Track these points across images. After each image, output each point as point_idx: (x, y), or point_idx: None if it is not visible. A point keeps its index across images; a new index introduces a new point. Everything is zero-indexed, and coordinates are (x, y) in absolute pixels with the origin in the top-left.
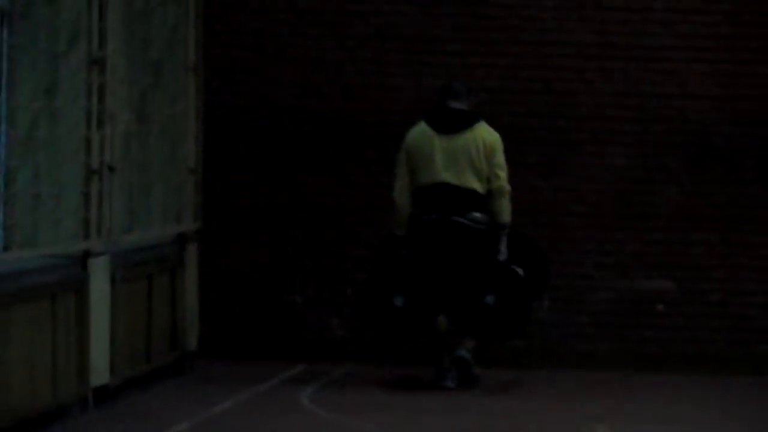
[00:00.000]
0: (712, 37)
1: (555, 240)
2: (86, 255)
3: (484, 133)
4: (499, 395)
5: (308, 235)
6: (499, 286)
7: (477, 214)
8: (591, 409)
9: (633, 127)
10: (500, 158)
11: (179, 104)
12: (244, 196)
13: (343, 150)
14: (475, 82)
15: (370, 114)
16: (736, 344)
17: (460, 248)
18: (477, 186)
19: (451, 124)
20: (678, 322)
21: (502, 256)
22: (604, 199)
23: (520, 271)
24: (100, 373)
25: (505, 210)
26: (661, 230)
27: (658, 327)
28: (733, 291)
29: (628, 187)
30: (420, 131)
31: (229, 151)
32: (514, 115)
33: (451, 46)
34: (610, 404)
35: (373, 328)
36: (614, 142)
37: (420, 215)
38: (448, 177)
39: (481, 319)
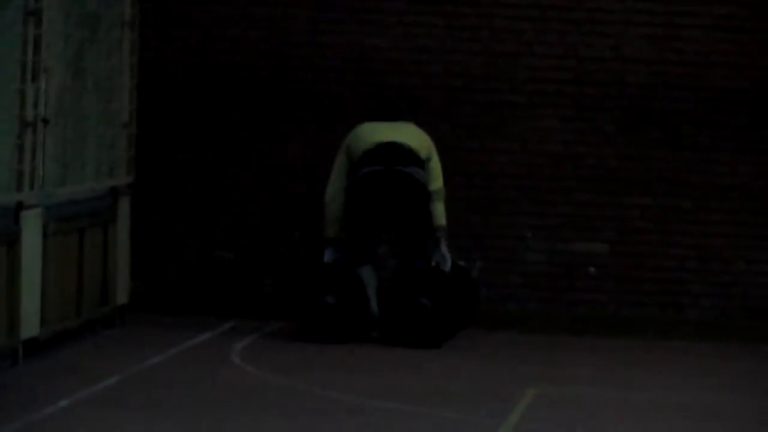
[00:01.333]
0: (649, 0)
1: (489, 201)
2: (19, 207)
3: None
4: (430, 354)
5: (241, 191)
6: (434, 286)
7: (421, 171)
8: (522, 370)
9: (569, 90)
10: (438, 161)
11: (114, 59)
12: (178, 152)
13: (276, 107)
14: (413, 41)
15: (304, 71)
16: (668, 308)
17: (404, 199)
18: (420, 153)
19: (394, 115)
20: (610, 285)
21: (446, 263)
22: (539, 162)
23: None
24: (30, 326)
25: (442, 213)
26: (595, 193)
27: (591, 289)
28: (666, 255)
29: (563, 149)
30: (362, 126)
31: (163, 106)
32: (450, 75)
33: (389, 4)
34: (540, 366)
35: (306, 326)
36: (550, 104)
37: (362, 169)
38: (392, 137)
39: (416, 320)
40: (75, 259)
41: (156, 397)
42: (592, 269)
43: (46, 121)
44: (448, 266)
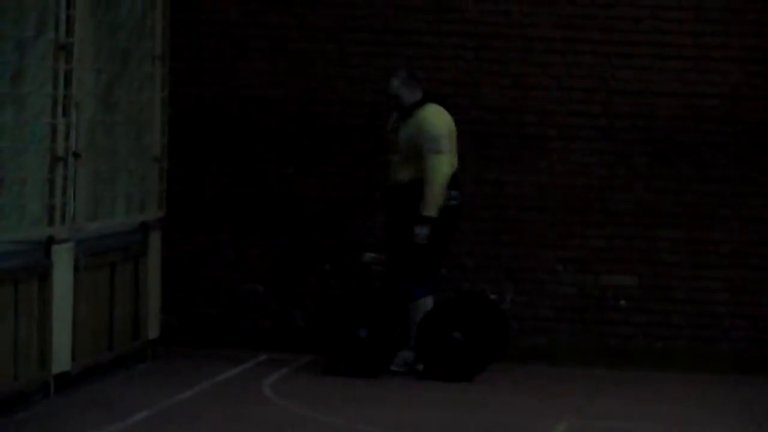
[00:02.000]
0: (678, 33)
1: (519, 234)
2: (50, 241)
3: None
4: (461, 388)
5: (271, 225)
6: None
7: None
8: (551, 404)
9: (599, 123)
10: None
11: (145, 93)
12: (208, 186)
13: (307, 141)
14: (442, 74)
15: (335, 105)
16: (699, 341)
17: None
18: None
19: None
20: (640, 318)
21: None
22: (569, 194)
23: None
24: (61, 360)
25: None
26: (625, 226)
27: (621, 322)
28: (696, 288)
29: (593, 182)
30: (441, 110)
31: (194, 140)
32: (480, 108)
33: (419, 37)
34: (570, 400)
35: (336, 359)
36: (580, 137)
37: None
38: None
39: (447, 353)
40: (106, 293)
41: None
42: (622, 302)
43: (77, 156)
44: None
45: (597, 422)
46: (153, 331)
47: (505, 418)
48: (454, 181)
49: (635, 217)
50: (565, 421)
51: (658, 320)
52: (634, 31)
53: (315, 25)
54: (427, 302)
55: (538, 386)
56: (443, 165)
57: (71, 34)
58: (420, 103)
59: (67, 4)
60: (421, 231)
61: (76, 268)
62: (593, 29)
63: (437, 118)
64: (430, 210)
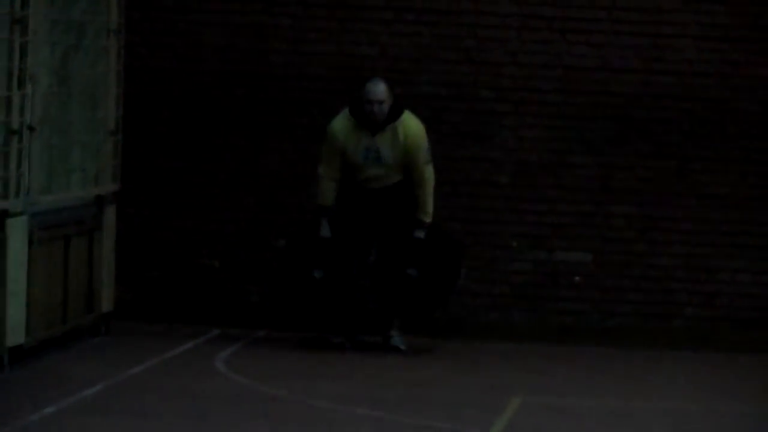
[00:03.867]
0: (634, 9)
1: (474, 210)
2: (4, 215)
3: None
4: (414, 364)
5: (227, 199)
6: (421, 260)
7: None
8: (505, 380)
9: (554, 99)
10: None
11: (100, 66)
12: (164, 160)
13: (264, 115)
14: (399, 50)
15: (292, 79)
16: (653, 318)
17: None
18: None
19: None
20: (595, 294)
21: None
22: (524, 171)
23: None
24: (15, 333)
25: None
26: (581, 202)
27: (575, 299)
28: (651, 265)
29: (548, 158)
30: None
31: (150, 113)
32: (435, 84)
33: (375, 13)
34: (524, 376)
35: (293, 299)
36: (535, 113)
37: None
38: None
39: (405, 291)
40: (60, 267)
41: (140, 406)
42: (577, 278)
43: (31, 129)
44: None
45: (550, 399)
46: (107, 305)
47: (459, 395)
48: None
49: (590, 193)
50: (518, 398)
51: (612, 297)
52: (590, 6)
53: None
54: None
55: (492, 363)
56: (433, 173)
57: (26, 7)
58: (397, 113)
59: None
60: (420, 235)
61: (30, 242)
62: (549, 4)
63: (421, 128)
64: (429, 217)
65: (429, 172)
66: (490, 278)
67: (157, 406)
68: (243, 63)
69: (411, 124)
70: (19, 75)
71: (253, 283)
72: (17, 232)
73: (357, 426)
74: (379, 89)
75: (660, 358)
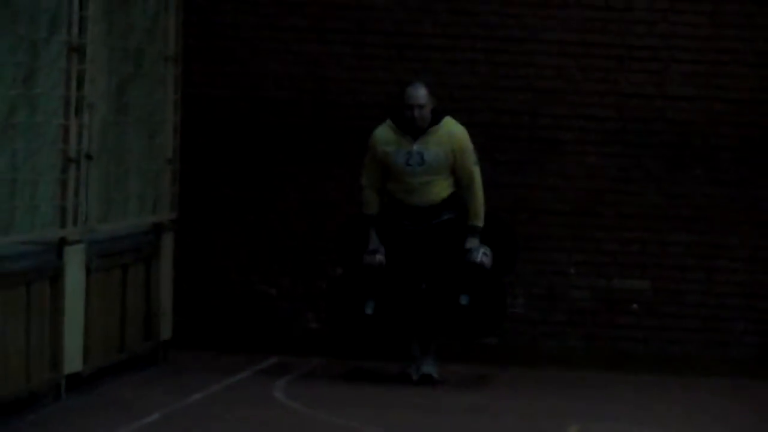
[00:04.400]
0: (691, 37)
1: (533, 237)
2: (62, 243)
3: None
4: (471, 392)
5: (284, 227)
6: (472, 285)
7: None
8: (563, 408)
9: (612, 127)
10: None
11: (158, 94)
12: (221, 188)
13: (321, 143)
14: (457, 78)
15: (349, 108)
16: (711, 346)
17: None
18: None
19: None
20: (653, 322)
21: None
22: (583, 198)
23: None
24: (73, 361)
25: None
26: (638, 230)
27: (633, 327)
28: (709, 292)
29: (606, 186)
30: None
31: (207, 142)
32: (494, 111)
33: (431, 40)
34: (582, 404)
35: (343, 333)
36: (594, 141)
37: None
38: None
39: (456, 319)
40: (118, 294)
41: None
42: (634, 306)
43: (89, 157)
44: None
45: (609, 426)
46: (165, 333)
47: (515, 423)
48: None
49: (648, 220)
50: (577, 426)
51: (670, 324)
52: (648, 34)
53: (328, 27)
54: None
55: (549, 390)
56: (481, 177)
57: (84, 35)
58: (438, 118)
59: (79, 5)
60: (473, 244)
61: (87, 270)
62: (607, 32)
63: (465, 130)
64: (481, 221)
65: (478, 174)
66: (548, 306)
67: None
68: (300, 91)
69: (454, 126)
70: (76, 103)
71: (309, 311)
72: (75, 260)
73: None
74: (420, 93)
75: (718, 386)
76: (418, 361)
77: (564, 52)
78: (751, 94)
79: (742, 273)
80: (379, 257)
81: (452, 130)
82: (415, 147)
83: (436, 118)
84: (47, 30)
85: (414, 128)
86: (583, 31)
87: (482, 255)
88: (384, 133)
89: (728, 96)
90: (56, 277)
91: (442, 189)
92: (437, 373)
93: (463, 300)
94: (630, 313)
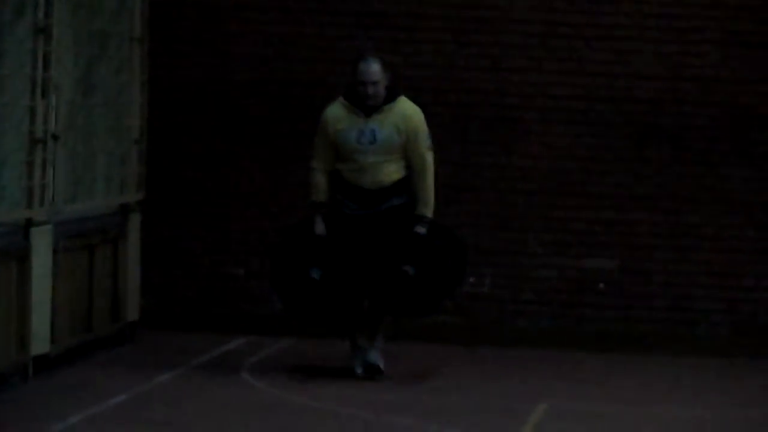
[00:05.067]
0: (658, 17)
1: (500, 217)
2: (29, 224)
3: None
4: (442, 370)
5: (252, 208)
6: (419, 259)
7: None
8: (531, 387)
9: (579, 106)
10: None
11: (124, 75)
12: (189, 168)
13: (286, 123)
14: (422, 57)
15: (314, 88)
16: (679, 324)
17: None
18: None
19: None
20: (620, 301)
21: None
22: (549, 178)
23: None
24: (40, 342)
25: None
26: (605, 210)
27: (601, 306)
28: (676, 271)
29: (573, 166)
30: None
31: (174, 122)
32: (460, 92)
33: (397, 20)
34: (550, 382)
35: (287, 303)
36: (560, 120)
37: None
38: None
39: (401, 289)
40: (85, 275)
41: (165, 415)
42: (601, 285)
43: (56, 138)
44: None
45: (576, 405)
46: (132, 314)
47: (485, 400)
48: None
49: (615, 200)
50: (545, 404)
51: (637, 304)
52: (613, 13)
53: (293, 8)
54: None
55: (518, 369)
56: (433, 163)
57: (50, 17)
58: (393, 95)
59: None
60: (421, 231)
61: (54, 251)
62: (574, 12)
63: (420, 111)
64: (430, 211)
65: (430, 160)
66: (516, 285)
67: (182, 416)
68: (266, 72)
69: (409, 105)
70: (43, 84)
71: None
72: (42, 241)
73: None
74: (374, 68)
75: (685, 364)
76: (363, 353)
77: (529, 31)
78: (716, 73)
79: (709, 252)
80: (321, 228)
81: (407, 110)
82: (368, 124)
83: (390, 96)
84: (13, 12)
85: (367, 106)
86: (549, 10)
87: (423, 228)
88: (336, 110)
89: (693, 74)
90: (23, 258)
91: (393, 171)
92: (382, 364)
93: (410, 270)
94: (597, 292)
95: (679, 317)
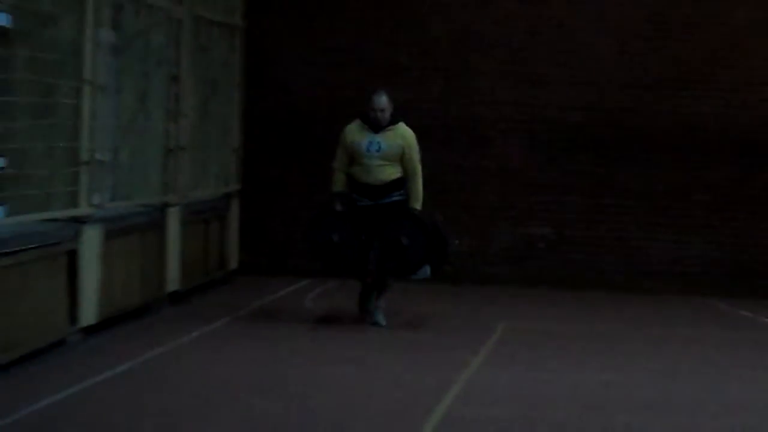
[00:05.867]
0: (574, 67)
1: (474, 201)
2: (165, 205)
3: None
4: (430, 301)
5: (310, 195)
6: (411, 233)
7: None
8: (496, 312)
9: (527, 127)
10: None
11: (227, 107)
12: (269, 169)
13: (332, 143)
14: (428, 95)
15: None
16: (591, 270)
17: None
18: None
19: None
20: (554, 254)
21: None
22: (506, 175)
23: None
24: (173, 282)
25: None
26: (543, 194)
27: (542, 258)
28: (590, 236)
29: (520, 165)
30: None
31: (261, 139)
32: (448, 117)
33: (413, 72)
34: (509, 309)
35: (316, 258)
36: (514, 137)
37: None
38: None
39: (398, 255)
40: (202, 239)
41: (257, 329)
42: (541, 245)
43: (182, 149)
44: None
45: (525, 323)
46: (233, 264)
47: (462, 321)
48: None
49: (549, 188)
50: (505, 323)
51: (564, 256)
52: (549, 60)
53: (339, 61)
54: None
55: (484, 301)
56: (421, 170)
57: (179, 68)
58: (395, 120)
59: (176, 49)
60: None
61: (182, 223)
62: (525, 62)
63: (413, 134)
64: (419, 204)
65: (419, 168)
66: (484, 246)
67: (268, 329)
68: (317, 106)
69: (406, 128)
70: (174, 113)
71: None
72: (174, 217)
73: (394, 342)
74: (382, 100)
75: (598, 297)
76: (370, 315)
77: (494, 78)
78: (608, 104)
79: (612, 222)
80: (339, 207)
81: (405, 132)
82: (376, 138)
83: (393, 120)
84: (155, 64)
85: (376, 126)
86: (503, 61)
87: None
88: (353, 127)
89: (596, 106)
90: (162, 228)
91: (391, 172)
92: (384, 321)
93: (405, 241)
94: (539, 248)
95: (591, 265)
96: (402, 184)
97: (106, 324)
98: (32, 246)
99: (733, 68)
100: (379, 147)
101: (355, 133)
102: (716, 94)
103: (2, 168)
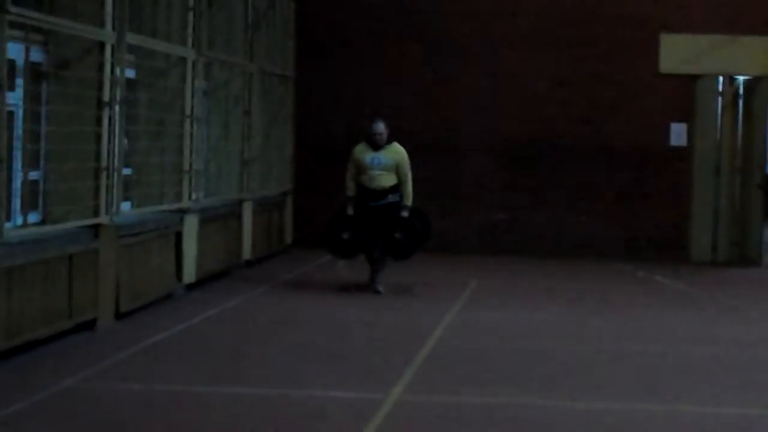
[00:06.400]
0: (514, 96)
1: (450, 200)
2: (240, 200)
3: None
4: (419, 267)
5: (339, 196)
6: (403, 230)
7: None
8: (468, 272)
9: (489, 144)
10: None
11: (284, 130)
12: (313, 175)
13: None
14: (422, 118)
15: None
16: (535, 243)
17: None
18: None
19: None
20: (510, 233)
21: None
22: (473, 182)
23: (398, 235)
24: (247, 252)
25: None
26: (500, 192)
27: (503, 234)
28: (534, 219)
29: (484, 175)
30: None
31: (306, 154)
32: (429, 137)
33: (412, 101)
34: (479, 271)
35: (331, 249)
36: (479, 151)
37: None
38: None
39: (394, 244)
40: (266, 223)
41: (304, 286)
42: (499, 227)
43: (252, 159)
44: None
45: (493, 281)
46: (288, 240)
47: (441, 278)
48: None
49: (507, 190)
50: (474, 280)
51: (518, 235)
52: (505, 100)
53: (371, 81)
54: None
55: (459, 265)
56: (411, 177)
57: (251, 104)
58: (390, 141)
59: (249, 92)
60: (405, 213)
61: (253, 213)
62: (487, 93)
63: (405, 151)
64: (410, 202)
65: (410, 176)
66: (460, 227)
67: (309, 285)
68: (348, 127)
69: (399, 147)
70: (247, 136)
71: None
72: (247, 209)
73: (379, 298)
74: (380, 126)
75: (543, 262)
76: (373, 283)
77: (471, 100)
78: (555, 124)
79: (546, 210)
80: (350, 210)
81: (398, 149)
82: (377, 154)
83: (389, 141)
84: (233, 104)
85: (376, 146)
86: (473, 91)
87: (406, 213)
88: (360, 147)
89: (543, 128)
90: (238, 217)
91: (389, 180)
92: (383, 289)
93: (398, 235)
94: (498, 228)
95: (537, 240)
96: (397, 188)
97: (201, 282)
98: (150, 229)
99: (630, 106)
100: (380, 161)
101: (361, 151)
102: (620, 123)
103: (130, 175)
